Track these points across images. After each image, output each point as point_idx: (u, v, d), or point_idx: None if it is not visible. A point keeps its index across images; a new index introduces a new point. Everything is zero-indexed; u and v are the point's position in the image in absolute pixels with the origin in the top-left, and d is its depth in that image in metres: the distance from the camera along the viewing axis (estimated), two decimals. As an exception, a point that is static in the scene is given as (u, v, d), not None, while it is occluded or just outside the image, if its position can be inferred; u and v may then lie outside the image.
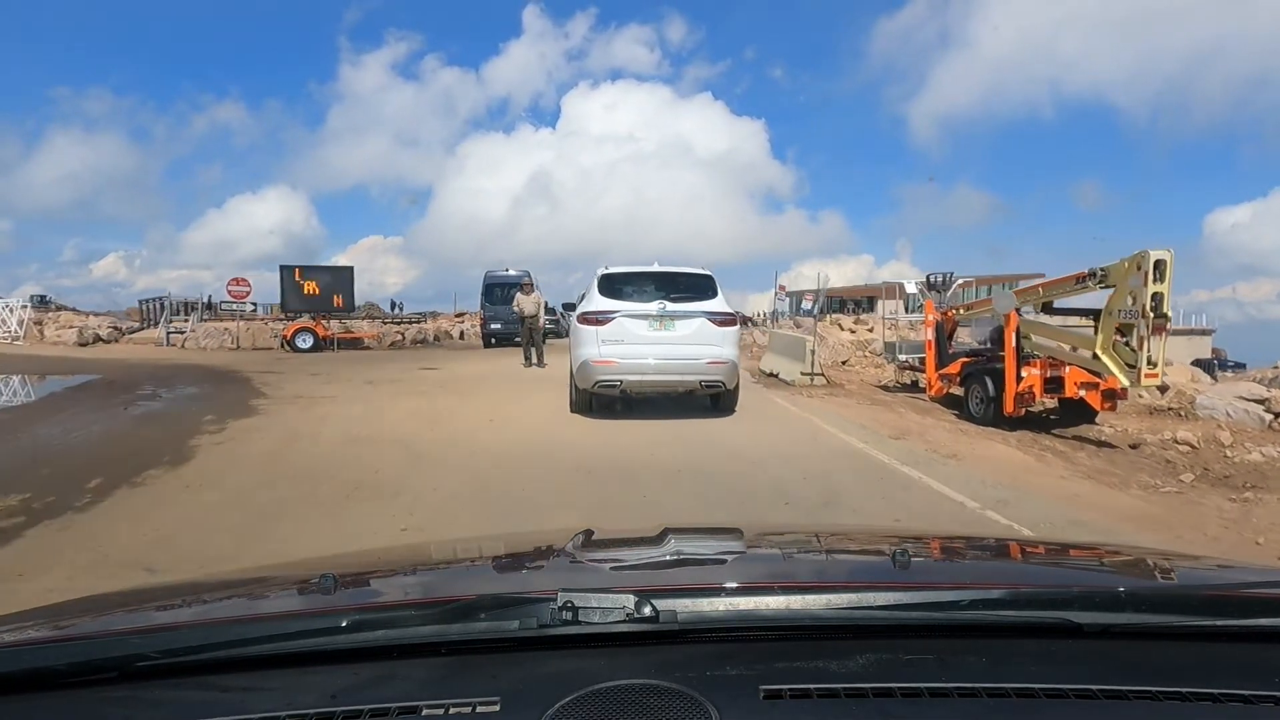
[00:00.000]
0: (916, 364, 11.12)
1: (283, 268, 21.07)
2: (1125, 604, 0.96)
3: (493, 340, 21.13)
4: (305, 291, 21.00)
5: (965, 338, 10.60)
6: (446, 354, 19.84)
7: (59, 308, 33.12)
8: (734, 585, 1.08)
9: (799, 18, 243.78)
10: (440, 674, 0.83)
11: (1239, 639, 0.91)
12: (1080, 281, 7.72)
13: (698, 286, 8.13)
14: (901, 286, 17.34)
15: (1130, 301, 7.08)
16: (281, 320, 22.25)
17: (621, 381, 7.83)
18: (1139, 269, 6.92)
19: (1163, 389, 9.27)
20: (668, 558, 1.39)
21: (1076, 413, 8.48)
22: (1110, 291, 7.51)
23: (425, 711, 0.74)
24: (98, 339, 21.98)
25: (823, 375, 11.91)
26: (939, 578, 1.31)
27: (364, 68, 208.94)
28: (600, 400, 8.23)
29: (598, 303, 7.97)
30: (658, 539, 1.45)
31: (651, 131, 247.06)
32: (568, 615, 0.83)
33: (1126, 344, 7.24)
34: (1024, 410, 8.10)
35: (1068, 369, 8.12)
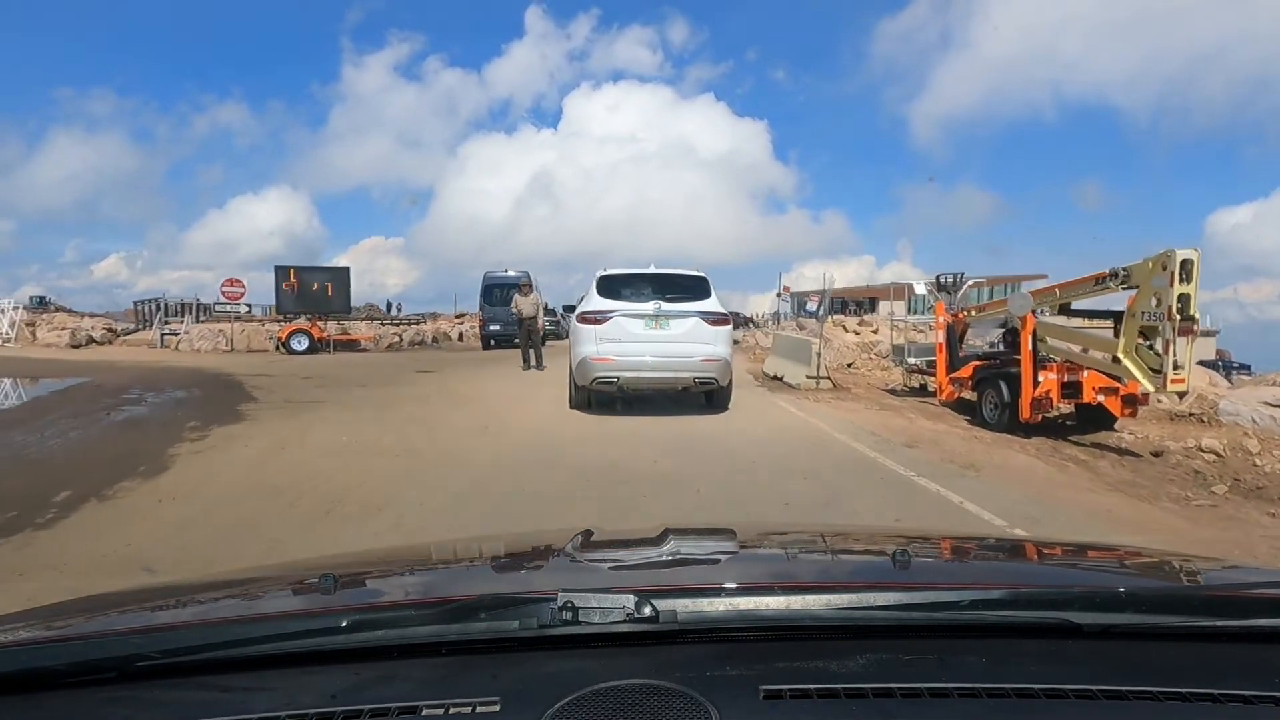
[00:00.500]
0: (926, 367, 10.78)
1: (278, 268, 20.76)
2: (1125, 604, 0.96)
3: (492, 342, 20.94)
4: (301, 293, 20.67)
5: (972, 339, 10.27)
6: (444, 356, 19.52)
7: (58, 309, 32.87)
8: (734, 585, 1.07)
9: (801, 19, 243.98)
10: (440, 674, 0.83)
11: (1239, 639, 0.90)
12: (1100, 282, 7.39)
13: (692, 287, 8.44)
14: (910, 287, 16.99)
15: (1154, 303, 6.75)
16: (278, 322, 21.94)
17: (619, 378, 8.08)
18: (1164, 269, 6.59)
19: (1182, 394, 8.94)
20: (668, 558, 1.38)
21: (1094, 419, 8.16)
22: (1130, 293, 7.23)
23: (425, 711, 0.73)
24: (91, 341, 21.67)
25: (828, 379, 11.58)
26: (939, 578, 1.30)
27: (366, 68, 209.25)
28: (599, 398, 8.43)
29: (596, 303, 8.25)
30: (658, 539, 1.44)
31: (653, 132, 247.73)
32: (568, 615, 0.82)
33: (1150, 347, 6.91)
34: (1040, 417, 7.78)
35: (1086, 373, 7.81)
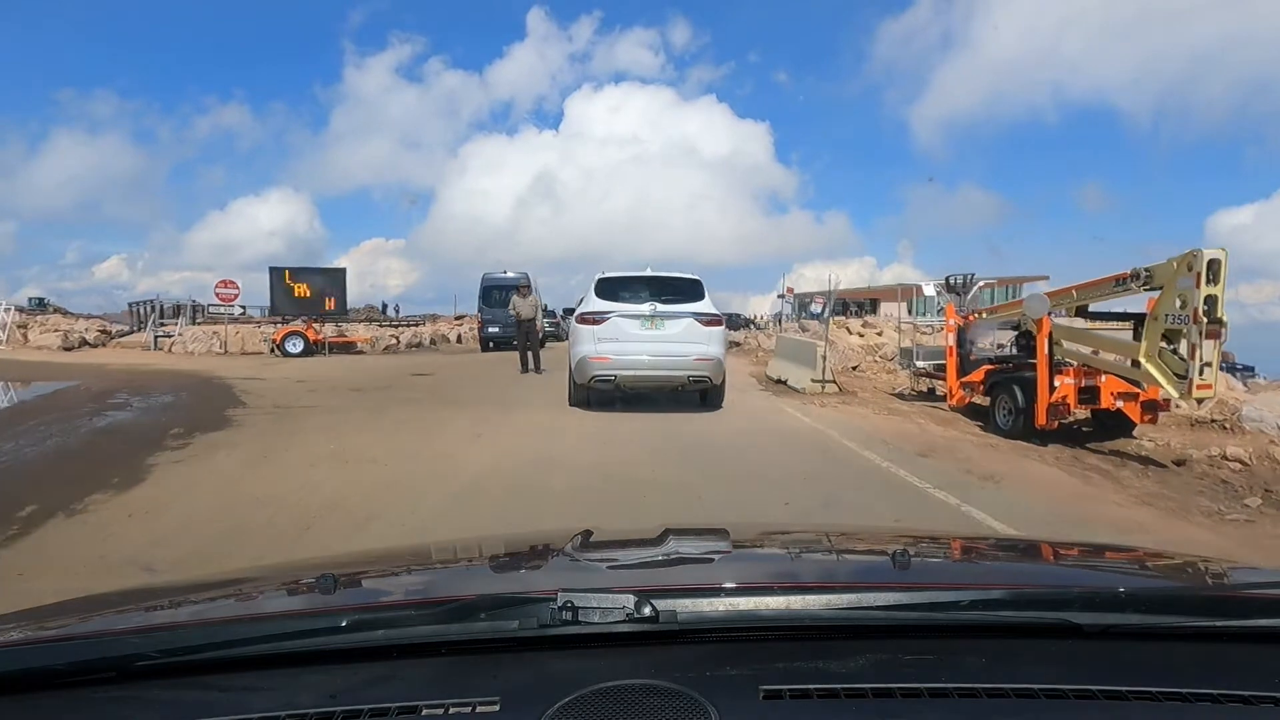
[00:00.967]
0: (934, 371, 10.47)
1: (272, 269, 20.41)
2: (1125, 604, 0.95)
3: (490, 344, 20.69)
4: (296, 294, 20.34)
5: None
6: (441, 359, 19.21)
7: (55, 310, 32.56)
8: (734, 585, 1.06)
9: (803, 21, 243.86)
10: (440, 674, 0.83)
11: (1239, 639, 0.90)
12: (1120, 283, 7.08)
13: (686, 290, 8.79)
14: (919, 288, 16.67)
15: (1179, 305, 6.45)
16: (274, 324, 21.62)
17: (616, 376, 8.40)
18: (1190, 269, 6.29)
19: (1200, 400, 8.64)
20: (668, 558, 1.37)
21: (1112, 425, 7.87)
22: (1150, 294, 6.94)
23: (425, 711, 0.73)
24: (84, 343, 21.32)
25: (834, 382, 11.29)
26: (939, 578, 1.29)
27: (368, 70, 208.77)
28: (597, 396, 8.74)
29: (594, 304, 8.58)
30: (657, 539, 1.43)
31: (655, 134, 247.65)
32: (568, 615, 0.82)
33: (1173, 351, 6.61)
34: (1057, 423, 7.48)
35: (1103, 378, 7.51)
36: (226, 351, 20.02)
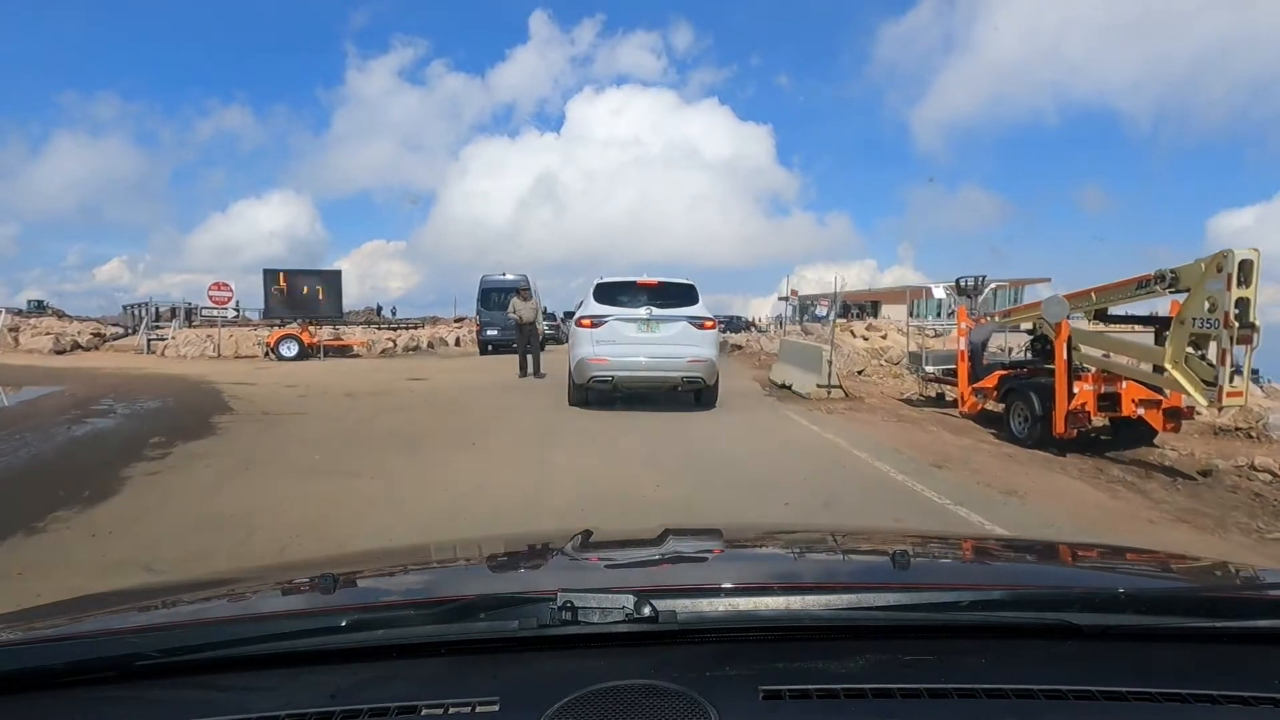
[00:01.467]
0: (944, 376, 10.14)
1: (266, 271, 20.02)
2: (1125, 605, 0.95)
3: (489, 347, 20.47)
4: (291, 296, 20.00)
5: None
6: (439, 363, 18.90)
7: (53, 312, 32.28)
8: (733, 585, 1.05)
9: (804, 23, 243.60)
10: (439, 674, 0.83)
11: (1239, 640, 0.90)
12: (1143, 285, 6.76)
13: (681, 294, 9.08)
14: (928, 290, 16.34)
15: (1208, 308, 6.13)
16: (269, 327, 21.30)
17: (613, 377, 8.73)
18: (1219, 271, 5.97)
19: (1222, 409, 8.32)
20: (667, 558, 1.37)
21: (1133, 433, 7.54)
22: (1176, 297, 6.63)
23: (424, 711, 0.73)
24: (76, 346, 21.03)
25: (840, 387, 10.96)
26: (939, 578, 1.27)
27: (370, 73, 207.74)
28: (595, 394, 9.03)
29: (593, 308, 8.91)
30: (657, 539, 1.43)
31: (657, 136, 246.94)
32: (567, 615, 0.82)
33: (1201, 357, 6.29)
34: (1075, 431, 7.15)
35: (1124, 384, 7.20)
36: (220, 355, 19.69)
